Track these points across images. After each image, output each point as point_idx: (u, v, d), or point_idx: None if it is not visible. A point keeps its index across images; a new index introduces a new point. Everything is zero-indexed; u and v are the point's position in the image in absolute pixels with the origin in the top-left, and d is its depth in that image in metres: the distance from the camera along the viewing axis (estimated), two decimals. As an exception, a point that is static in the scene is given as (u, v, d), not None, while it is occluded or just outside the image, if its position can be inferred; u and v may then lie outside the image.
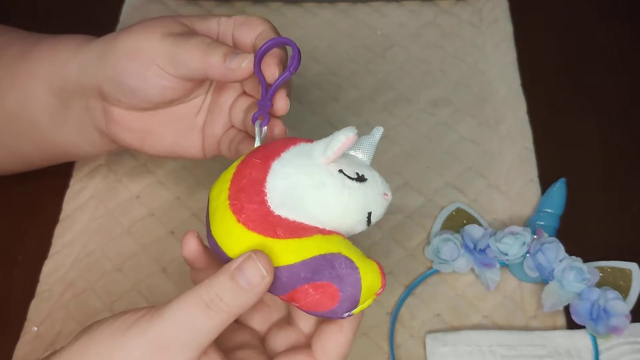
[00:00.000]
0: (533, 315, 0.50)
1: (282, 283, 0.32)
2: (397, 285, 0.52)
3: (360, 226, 0.33)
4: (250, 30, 0.42)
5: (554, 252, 0.50)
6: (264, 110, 0.38)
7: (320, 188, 0.31)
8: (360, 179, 0.32)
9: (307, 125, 0.62)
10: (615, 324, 0.47)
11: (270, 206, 0.31)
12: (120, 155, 0.60)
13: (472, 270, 0.52)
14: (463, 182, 0.58)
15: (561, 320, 0.50)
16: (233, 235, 0.32)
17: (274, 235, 0.31)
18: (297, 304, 0.32)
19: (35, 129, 0.49)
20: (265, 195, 0.31)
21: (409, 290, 0.52)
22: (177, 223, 0.56)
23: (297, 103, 0.64)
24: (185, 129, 0.46)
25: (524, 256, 0.51)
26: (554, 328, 0.50)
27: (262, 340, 0.38)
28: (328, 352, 0.35)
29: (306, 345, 0.36)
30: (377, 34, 0.69)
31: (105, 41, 0.44)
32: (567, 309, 0.49)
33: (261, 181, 0.32)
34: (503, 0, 0.70)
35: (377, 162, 0.59)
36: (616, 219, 0.56)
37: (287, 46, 0.40)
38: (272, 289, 0.32)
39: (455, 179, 0.58)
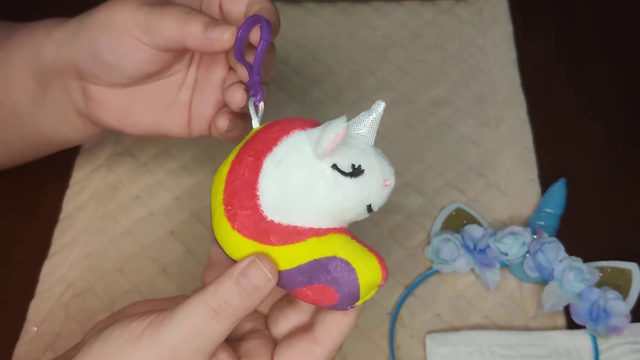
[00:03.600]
0: (533, 315, 0.50)
1: (281, 284, 0.32)
2: (397, 285, 0.52)
3: (360, 217, 0.33)
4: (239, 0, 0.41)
5: (554, 252, 0.50)
6: (255, 87, 0.36)
7: (312, 190, 0.30)
8: (356, 172, 0.31)
9: (307, 125, 0.62)
10: (615, 324, 0.47)
11: (264, 211, 0.31)
12: (121, 155, 0.60)
13: (472, 270, 0.52)
14: (463, 182, 0.58)
15: (561, 320, 0.50)
16: (231, 242, 0.32)
17: (268, 242, 0.31)
18: (298, 299, 0.33)
19: (16, 116, 0.47)
20: (258, 199, 0.31)
21: (409, 291, 0.52)
22: (177, 223, 0.56)
23: (297, 103, 0.64)
24: (165, 106, 0.45)
25: (524, 256, 0.51)
26: (554, 328, 0.50)
27: (266, 320, 0.38)
28: (331, 335, 0.34)
29: (307, 325, 0.36)
30: (377, 34, 0.69)
31: (80, 18, 0.43)
32: (567, 309, 0.49)
33: (253, 183, 0.31)
34: (503, 0, 0.70)
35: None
36: (616, 219, 0.56)
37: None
38: None
39: (455, 179, 0.58)
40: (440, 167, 0.59)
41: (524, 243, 0.50)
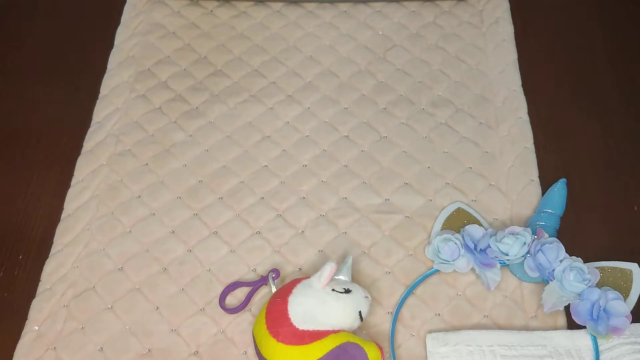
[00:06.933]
0: (533, 315, 0.51)
1: None
2: (397, 285, 0.52)
3: (356, 322, 0.48)
4: None
5: (555, 252, 0.50)
6: (263, 282, 0.52)
7: (324, 304, 0.47)
8: (347, 291, 0.48)
9: (309, 126, 0.62)
10: (615, 324, 0.47)
11: (296, 325, 0.46)
12: (122, 155, 0.60)
13: (473, 270, 0.52)
14: (463, 183, 0.58)
15: (561, 320, 0.50)
16: (277, 351, 0.46)
17: (303, 343, 0.46)
18: None
19: None
20: (290, 319, 0.46)
21: (410, 290, 0.52)
22: (178, 222, 0.56)
23: (297, 104, 0.64)
24: None
25: (524, 256, 0.51)
26: (555, 328, 0.50)
27: None
28: None
29: None
30: (378, 35, 0.69)
31: None
32: (567, 309, 0.50)
33: (285, 311, 0.47)
34: (504, 1, 0.70)
35: (379, 162, 0.60)
36: (616, 219, 0.56)
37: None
38: None
39: (456, 179, 0.58)
40: (441, 167, 0.59)
41: (524, 243, 0.51)
